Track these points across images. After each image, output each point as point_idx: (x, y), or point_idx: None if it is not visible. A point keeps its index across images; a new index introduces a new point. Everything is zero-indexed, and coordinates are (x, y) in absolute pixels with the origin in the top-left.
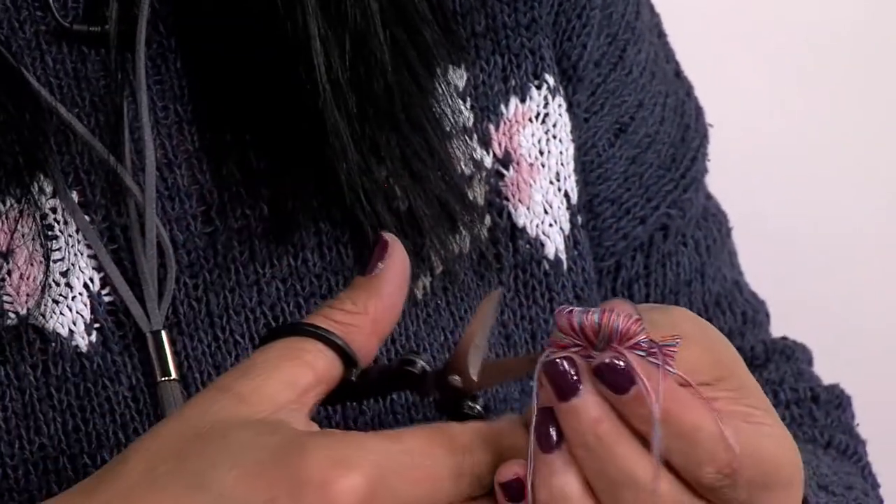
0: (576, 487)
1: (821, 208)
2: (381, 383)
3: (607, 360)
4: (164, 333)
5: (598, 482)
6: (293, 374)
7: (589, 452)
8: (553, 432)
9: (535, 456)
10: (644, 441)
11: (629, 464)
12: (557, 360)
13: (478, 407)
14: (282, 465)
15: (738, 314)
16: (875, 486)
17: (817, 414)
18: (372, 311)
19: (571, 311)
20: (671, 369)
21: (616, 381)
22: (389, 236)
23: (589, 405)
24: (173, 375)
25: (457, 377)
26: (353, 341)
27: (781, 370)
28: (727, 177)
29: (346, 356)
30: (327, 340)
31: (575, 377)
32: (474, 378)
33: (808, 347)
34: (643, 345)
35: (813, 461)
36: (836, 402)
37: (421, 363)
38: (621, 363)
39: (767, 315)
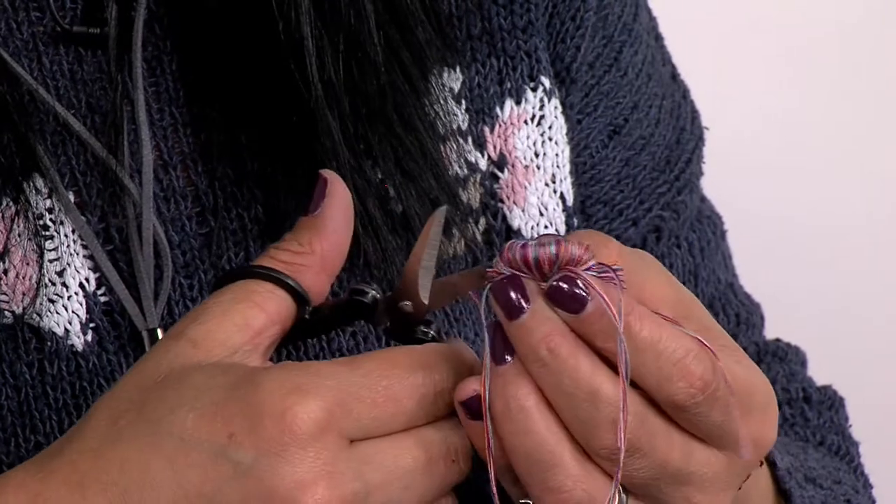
0: (532, 399)
1: (817, 210)
2: (333, 318)
3: (561, 282)
4: (160, 332)
5: (556, 397)
6: (245, 317)
7: (543, 367)
8: (504, 345)
9: (491, 370)
10: (608, 362)
11: (587, 377)
12: (504, 282)
13: (431, 332)
14: (236, 400)
15: (732, 316)
16: (867, 486)
17: (809, 414)
18: (318, 249)
19: (525, 244)
20: (625, 287)
21: (571, 301)
22: (329, 173)
23: (538, 321)
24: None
25: (408, 302)
26: (302, 280)
27: (773, 371)
28: (722, 178)
29: (297, 295)
30: (277, 281)
31: (521, 297)
32: (425, 301)
33: (802, 350)
34: (594, 269)
35: (801, 455)
36: (829, 403)
37: (371, 292)
38: (578, 282)
39: (762, 317)
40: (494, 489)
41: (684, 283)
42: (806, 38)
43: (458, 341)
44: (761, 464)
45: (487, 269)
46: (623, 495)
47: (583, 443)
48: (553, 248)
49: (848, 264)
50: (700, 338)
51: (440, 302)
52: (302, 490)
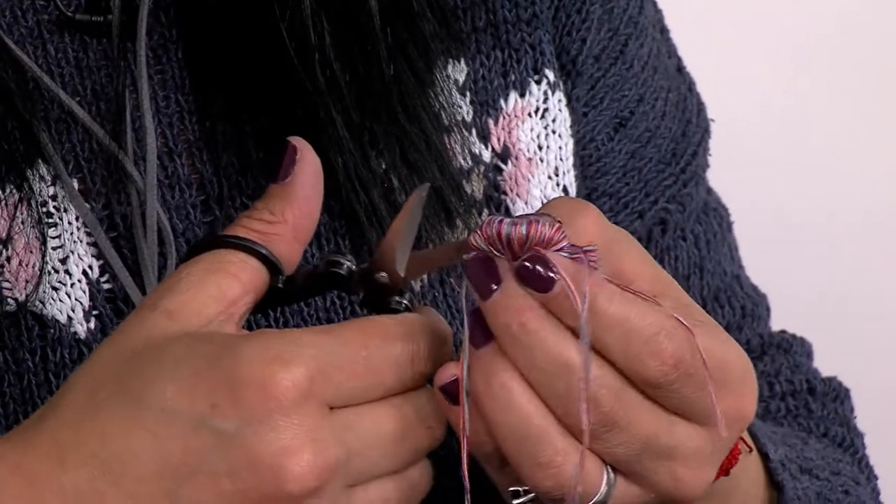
0: (512, 375)
1: (824, 202)
2: (308, 287)
3: (527, 262)
4: None
5: (532, 374)
6: (219, 287)
7: (516, 344)
8: (483, 331)
9: (470, 354)
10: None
11: (558, 351)
12: (475, 261)
13: (405, 301)
14: (217, 370)
15: (738, 308)
16: (871, 477)
17: (813, 406)
18: (290, 217)
19: (502, 220)
20: (596, 267)
21: (538, 280)
22: (297, 140)
23: (509, 297)
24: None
25: (383, 274)
26: (275, 249)
27: (777, 362)
28: (729, 171)
29: (270, 264)
30: (250, 250)
31: (492, 275)
32: (401, 273)
33: (808, 341)
34: (566, 250)
35: (798, 445)
36: (834, 394)
37: (347, 263)
38: (544, 263)
39: (768, 309)
40: (466, 472)
41: (690, 276)
42: (812, 29)
43: (430, 311)
44: (751, 450)
45: (465, 244)
46: (611, 474)
47: (564, 419)
48: (524, 228)
49: (855, 255)
50: (676, 315)
51: (416, 274)
52: (287, 456)
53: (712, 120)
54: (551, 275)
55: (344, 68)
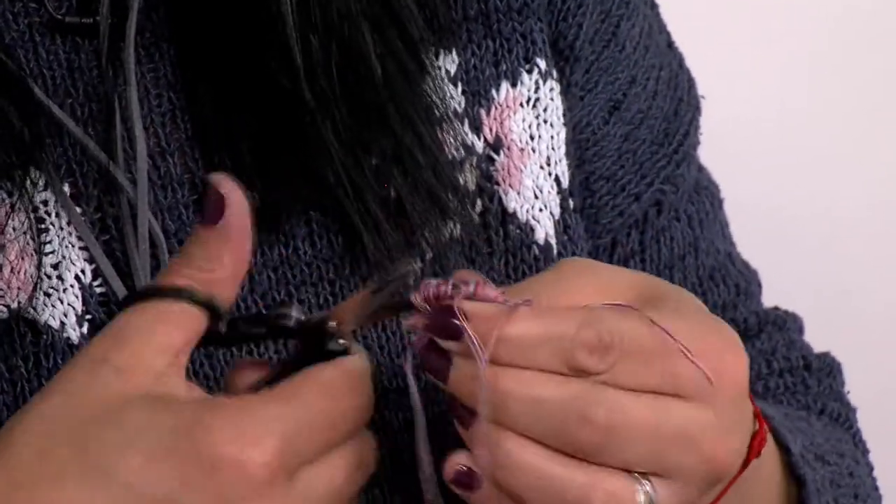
0: (505, 436)
1: (824, 200)
2: (250, 334)
3: (437, 315)
4: None
5: (521, 425)
6: (167, 339)
7: (491, 405)
8: (462, 408)
9: (464, 434)
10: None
11: (525, 392)
12: (426, 348)
13: (342, 342)
14: (187, 444)
15: (732, 286)
16: (865, 452)
17: (810, 382)
18: (229, 262)
19: (428, 283)
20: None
21: (445, 329)
22: (220, 181)
23: (461, 370)
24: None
25: (334, 323)
26: (217, 294)
27: (773, 340)
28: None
29: (212, 310)
30: (192, 299)
31: (442, 356)
32: (351, 327)
33: (800, 317)
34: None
35: (808, 430)
36: (828, 369)
37: (295, 316)
38: (451, 311)
39: (759, 285)
40: None
41: (685, 256)
42: (808, 26)
43: (363, 352)
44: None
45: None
46: (647, 486)
47: (570, 451)
48: (432, 289)
49: (851, 255)
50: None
51: (362, 324)
52: None
53: (702, 97)
54: (456, 322)
55: (325, 63)
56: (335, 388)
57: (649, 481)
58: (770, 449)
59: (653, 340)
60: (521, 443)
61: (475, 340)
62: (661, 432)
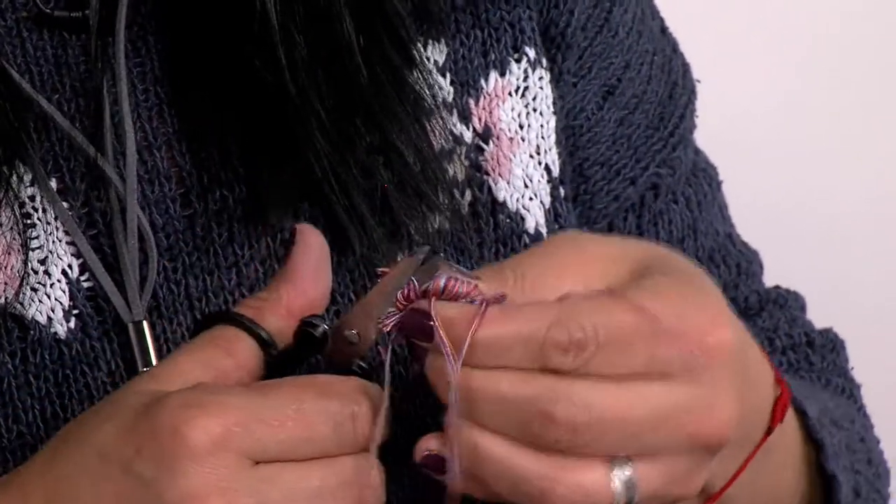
0: (476, 434)
1: (825, 198)
2: (293, 355)
3: (409, 315)
4: (145, 324)
5: (492, 422)
6: (209, 356)
7: (464, 401)
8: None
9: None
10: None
11: (493, 390)
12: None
13: (364, 365)
14: (145, 416)
15: (733, 266)
16: (870, 426)
17: (813, 358)
18: (284, 293)
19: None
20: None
21: (419, 330)
22: (301, 225)
23: (436, 368)
24: (154, 364)
25: (354, 331)
26: (264, 321)
27: (775, 318)
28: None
29: (260, 339)
30: (241, 325)
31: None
32: (371, 335)
33: (801, 295)
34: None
35: (820, 396)
36: (831, 345)
37: (322, 326)
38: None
39: (761, 265)
40: None
41: (684, 238)
42: (806, 18)
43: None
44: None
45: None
46: (627, 472)
47: (542, 445)
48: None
49: (852, 254)
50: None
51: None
52: (194, 502)
53: (698, 81)
54: (430, 324)
55: (308, 57)
56: (315, 387)
57: (631, 465)
58: (788, 414)
59: (632, 325)
60: (488, 436)
61: (446, 343)
62: (632, 418)
